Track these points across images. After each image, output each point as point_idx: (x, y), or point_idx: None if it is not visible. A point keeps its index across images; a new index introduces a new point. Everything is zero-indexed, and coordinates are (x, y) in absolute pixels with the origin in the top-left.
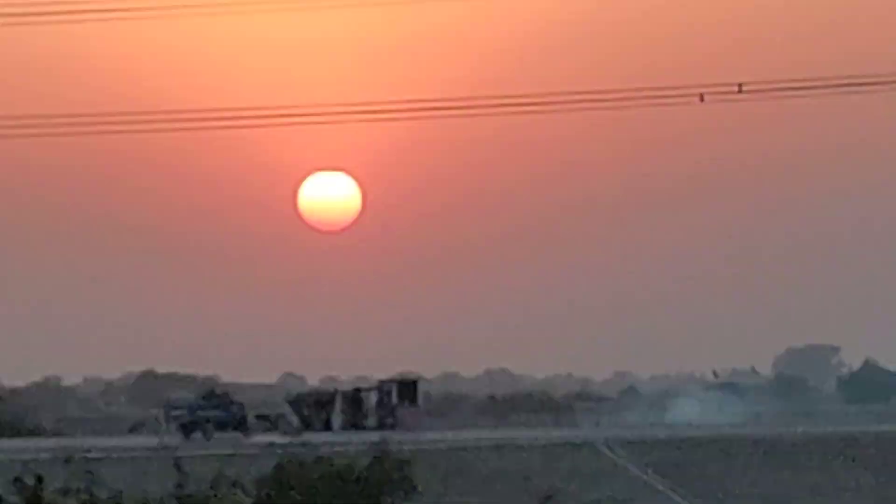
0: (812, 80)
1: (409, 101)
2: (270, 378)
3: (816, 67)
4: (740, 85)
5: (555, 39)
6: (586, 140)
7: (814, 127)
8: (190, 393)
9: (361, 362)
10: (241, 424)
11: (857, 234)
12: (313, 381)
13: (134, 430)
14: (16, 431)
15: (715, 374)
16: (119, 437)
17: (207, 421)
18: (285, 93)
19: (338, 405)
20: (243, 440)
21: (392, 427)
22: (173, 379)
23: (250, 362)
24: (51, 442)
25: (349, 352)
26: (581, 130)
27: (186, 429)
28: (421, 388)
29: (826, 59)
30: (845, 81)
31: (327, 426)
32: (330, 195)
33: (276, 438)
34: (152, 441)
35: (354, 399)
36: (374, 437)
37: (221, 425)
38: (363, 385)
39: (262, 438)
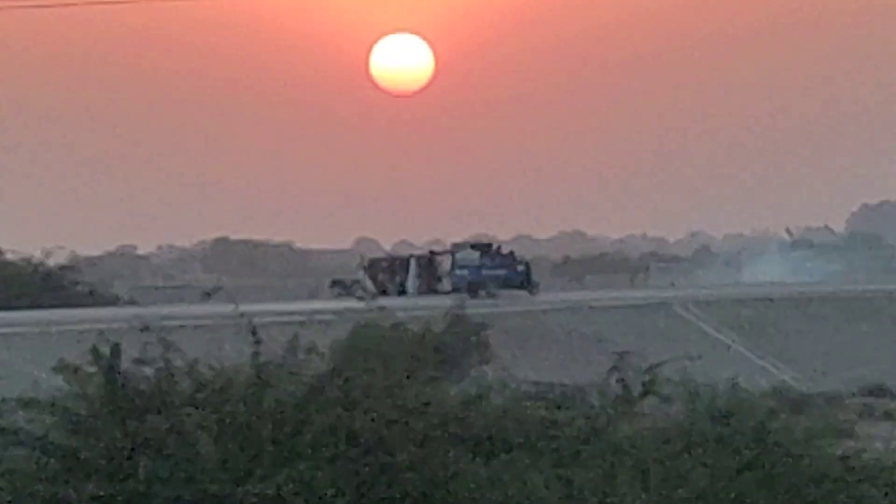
0: None
1: None
2: (344, 244)
3: None
4: None
5: None
6: (661, 11)
7: None
8: (474, 252)
9: (435, 226)
10: (526, 283)
11: None
12: (387, 245)
13: (207, 296)
14: (91, 300)
15: (789, 232)
16: (194, 304)
17: (493, 279)
18: None
19: (413, 269)
20: (530, 298)
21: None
22: (247, 246)
23: (324, 228)
24: (126, 311)
25: (423, 215)
26: (653, 3)
27: (471, 287)
28: (497, 250)
29: None
30: None
31: (402, 291)
32: (402, 58)
33: (351, 304)
34: (228, 308)
35: (429, 263)
36: (450, 301)
37: (506, 284)
38: (438, 248)
39: (337, 304)
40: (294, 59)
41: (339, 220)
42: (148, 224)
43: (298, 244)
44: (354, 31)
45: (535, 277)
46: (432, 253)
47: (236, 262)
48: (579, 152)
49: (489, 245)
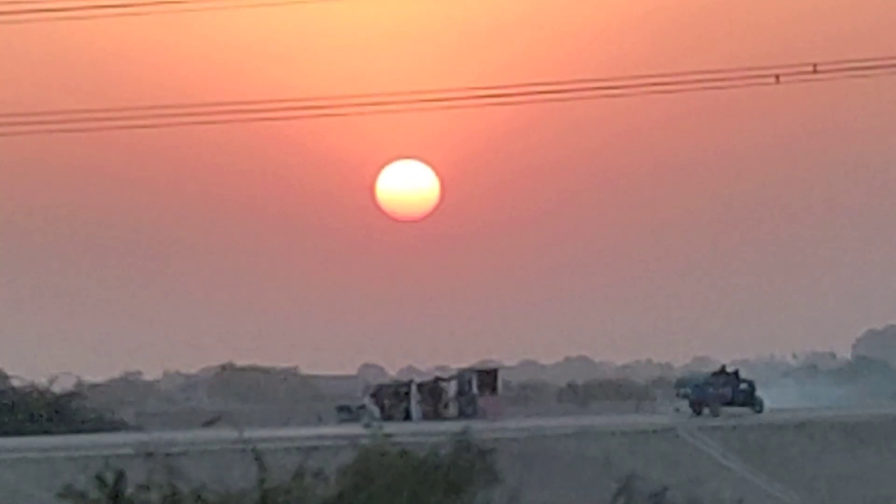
0: (890, 59)
1: (486, 89)
2: (350, 370)
3: (893, 45)
4: (815, 65)
5: (632, 25)
6: (661, 122)
7: (891, 105)
8: (697, 372)
9: (441, 352)
10: (749, 401)
11: None
12: (392, 371)
13: (210, 423)
14: (97, 427)
15: (795, 356)
16: (199, 430)
17: (716, 398)
18: (363, 81)
19: (417, 395)
20: (752, 416)
21: (472, 416)
22: (253, 372)
23: (330, 354)
24: (132, 437)
25: (428, 341)
26: (656, 112)
27: (695, 405)
28: (501, 376)
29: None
30: None
31: (408, 416)
32: (408, 185)
33: (357, 429)
34: (233, 434)
35: (434, 389)
36: (455, 426)
37: (729, 402)
38: (443, 375)
39: (344, 430)
40: (300, 185)
41: (344, 345)
42: (153, 350)
43: (304, 370)
44: (361, 158)
45: (759, 395)
46: (437, 379)
47: (242, 388)
48: (585, 277)
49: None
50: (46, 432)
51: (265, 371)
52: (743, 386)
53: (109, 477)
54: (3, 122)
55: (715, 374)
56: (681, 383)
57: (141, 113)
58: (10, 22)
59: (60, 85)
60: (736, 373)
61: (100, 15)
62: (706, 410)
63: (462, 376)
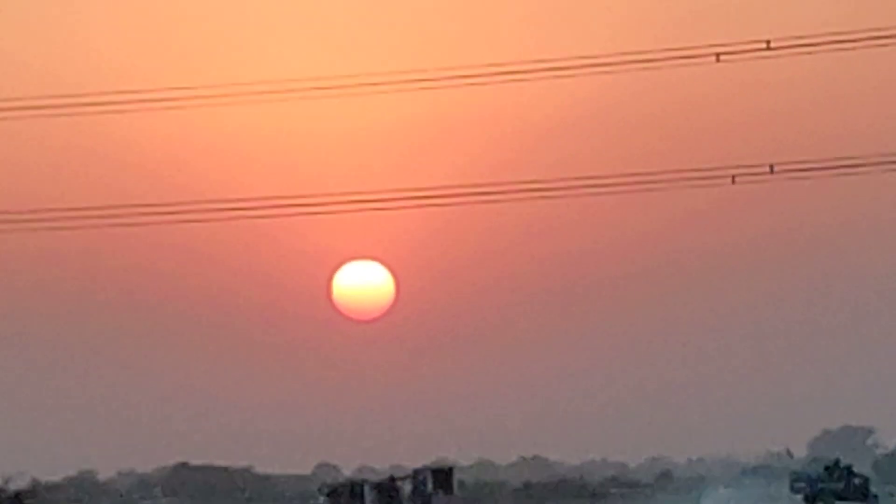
0: (844, 159)
1: (440, 188)
2: (305, 469)
3: (848, 146)
4: (772, 166)
5: (586, 124)
6: (617, 223)
7: (846, 206)
8: (815, 467)
9: (396, 451)
10: (862, 496)
11: (892, 315)
12: (348, 470)
13: None
14: None
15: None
16: None
17: (830, 492)
18: (318, 182)
19: (372, 495)
20: None
21: None
22: (208, 471)
23: (285, 453)
24: None
25: (384, 440)
26: (611, 213)
27: (809, 500)
28: (456, 475)
29: (857, 137)
30: (880, 160)
31: None
32: (363, 284)
33: None
34: None
35: (389, 489)
36: None
37: (842, 497)
38: (398, 474)
39: None
40: (253, 285)
41: (299, 445)
42: (107, 449)
43: (259, 468)
44: (316, 258)
45: (873, 490)
46: (392, 479)
47: (197, 487)
48: (539, 378)
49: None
50: None
51: (221, 470)
52: (857, 481)
53: None
54: None
55: (828, 468)
56: (797, 477)
57: (96, 213)
58: None
59: (21, 183)
60: (849, 467)
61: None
62: None
63: (417, 476)
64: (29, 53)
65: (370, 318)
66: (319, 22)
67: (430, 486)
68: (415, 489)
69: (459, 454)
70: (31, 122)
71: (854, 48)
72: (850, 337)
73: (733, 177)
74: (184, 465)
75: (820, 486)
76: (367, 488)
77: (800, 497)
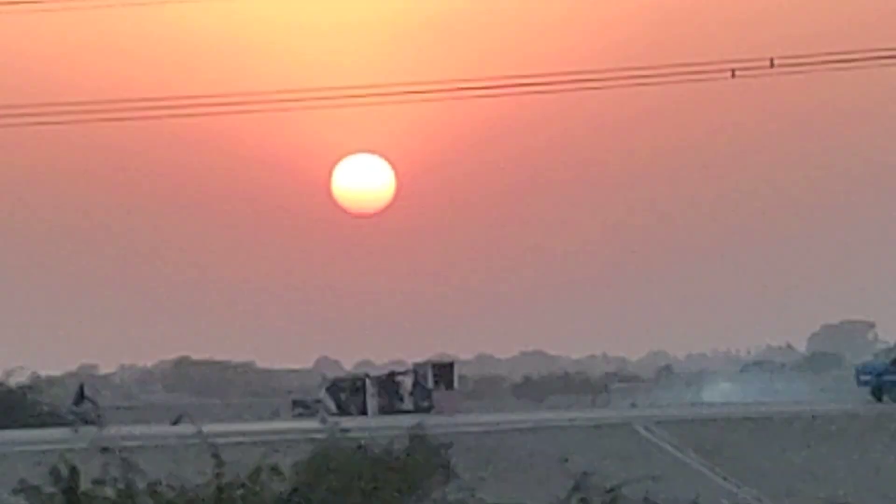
0: (845, 53)
1: (441, 82)
2: (306, 363)
3: (848, 40)
4: (772, 59)
5: (586, 17)
6: (617, 116)
7: (847, 99)
8: (880, 359)
9: (397, 346)
10: None
11: (891, 209)
12: (348, 365)
13: (177, 422)
14: (52, 421)
15: (749, 351)
16: (156, 425)
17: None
18: (318, 75)
19: (373, 389)
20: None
21: (428, 410)
22: (209, 365)
23: (285, 348)
24: (87, 431)
25: (384, 335)
26: (610, 107)
27: (875, 392)
28: (456, 370)
29: (858, 30)
30: (880, 54)
31: (363, 411)
32: (363, 179)
33: (313, 424)
34: (190, 429)
35: (390, 383)
36: (411, 421)
37: None
38: (398, 369)
39: (299, 424)
40: (254, 180)
41: (300, 339)
42: (109, 344)
43: (260, 364)
44: (316, 152)
45: None
46: (392, 373)
47: (198, 382)
48: (540, 271)
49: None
50: (1, 426)
51: (221, 365)
52: None
53: (64, 471)
54: None
55: (894, 360)
56: (862, 370)
57: (94, 108)
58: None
59: (24, 78)
60: None
61: (56, 9)
62: (886, 398)
63: (417, 370)
64: None
65: (370, 213)
66: None
67: (430, 380)
68: (415, 384)
69: (460, 349)
70: (38, 16)
71: None
72: (850, 231)
73: (733, 70)
74: (185, 359)
75: (885, 378)
76: (367, 383)
77: (867, 390)
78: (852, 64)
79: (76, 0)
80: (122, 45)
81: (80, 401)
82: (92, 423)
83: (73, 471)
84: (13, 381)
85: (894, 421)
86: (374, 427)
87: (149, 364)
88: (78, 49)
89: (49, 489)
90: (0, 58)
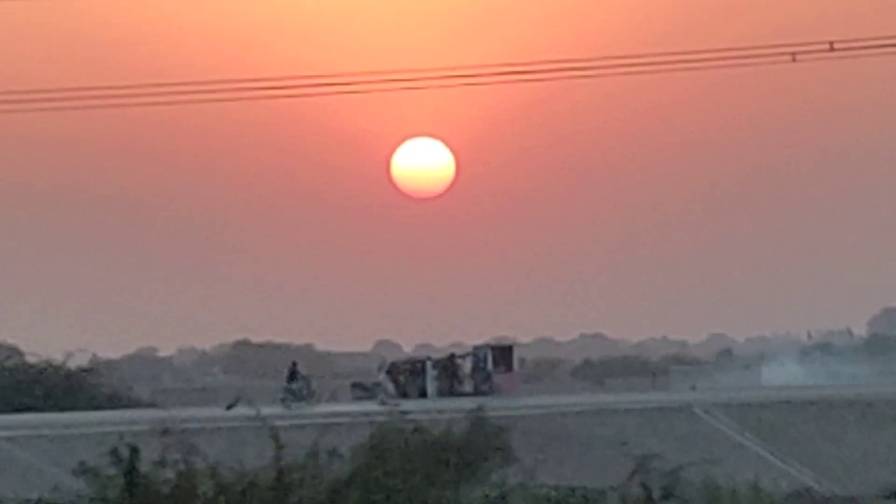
0: None
1: (502, 66)
2: (365, 346)
3: None
4: (831, 43)
5: (648, 3)
6: (687, 101)
7: None
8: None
9: (456, 329)
10: None
11: None
12: (408, 348)
13: (232, 406)
14: (112, 403)
15: (809, 335)
16: (215, 407)
17: None
18: (379, 59)
19: (433, 372)
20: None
21: (488, 393)
22: (268, 348)
23: (345, 330)
24: (147, 413)
25: (444, 318)
26: (674, 93)
27: None
28: (516, 353)
29: None
30: None
31: (423, 393)
32: (423, 163)
33: (372, 406)
34: (249, 411)
35: (450, 366)
36: (471, 403)
37: None
38: (458, 351)
39: (358, 407)
40: (316, 162)
41: (360, 322)
42: (168, 326)
43: (319, 346)
44: (377, 135)
45: None
46: (452, 356)
47: (257, 365)
48: (601, 253)
49: None
50: (62, 409)
51: (280, 347)
52: None
53: (124, 453)
54: (27, 98)
55: None
56: None
57: (156, 90)
58: None
59: (75, 60)
60: None
61: None
62: None
63: (477, 353)
64: None
65: (430, 196)
66: None
67: (490, 363)
68: (475, 366)
69: (519, 332)
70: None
71: None
72: None
73: (794, 54)
74: (244, 342)
75: None
76: (428, 365)
77: None
78: None
79: None
80: (188, 28)
81: (294, 378)
82: (303, 399)
83: (135, 452)
84: (73, 364)
85: None
86: (433, 410)
87: (208, 347)
88: (142, 29)
89: (109, 472)
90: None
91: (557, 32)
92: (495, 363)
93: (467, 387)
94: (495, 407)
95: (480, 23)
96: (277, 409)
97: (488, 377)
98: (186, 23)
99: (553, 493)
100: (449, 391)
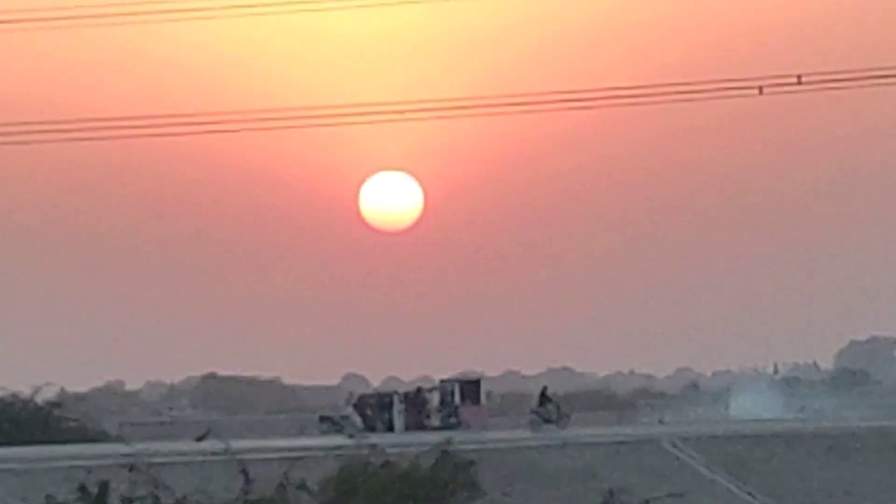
0: (871, 70)
1: (468, 99)
2: (333, 379)
3: (875, 57)
4: (799, 76)
5: (614, 35)
6: (643, 133)
7: (874, 116)
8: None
9: (424, 362)
10: None
11: None
12: (375, 382)
13: (201, 439)
14: (79, 437)
15: (776, 369)
16: (183, 441)
17: None
18: (346, 90)
19: (400, 406)
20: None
21: (455, 427)
22: (235, 382)
23: (312, 364)
24: (114, 447)
25: (411, 352)
26: (638, 123)
27: None
28: (483, 387)
29: (886, 48)
30: None
31: (390, 427)
32: (391, 196)
33: (340, 440)
34: (217, 445)
35: (417, 399)
36: (438, 437)
37: None
38: (425, 385)
39: (326, 440)
40: (284, 195)
41: (327, 356)
42: (135, 360)
43: (287, 380)
44: (344, 168)
45: None
46: (419, 390)
47: (224, 399)
48: (567, 288)
49: None
50: (29, 442)
51: (248, 381)
52: None
53: (92, 488)
54: (7, 130)
55: None
56: None
57: (126, 123)
58: (14, 30)
59: (56, 95)
60: None
61: (90, 25)
62: None
63: (445, 387)
64: None
65: (398, 230)
66: None
67: (457, 397)
68: (442, 400)
69: (486, 365)
70: (39, 33)
71: None
72: (877, 249)
73: (760, 87)
74: (212, 375)
75: None
76: (395, 399)
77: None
78: (884, 80)
79: (85, 18)
80: (144, 63)
81: (544, 402)
82: (552, 422)
83: (104, 487)
84: (40, 398)
85: None
86: (401, 443)
87: (176, 380)
88: (101, 66)
89: None
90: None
91: (523, 67)
92: (462, 397)
93: (435, 420)
94: (462, 440)
95: (449, 56)
96: (246, 443)
97: (455, 411)
98: (151, 56)
99: None
100: (416, 425)
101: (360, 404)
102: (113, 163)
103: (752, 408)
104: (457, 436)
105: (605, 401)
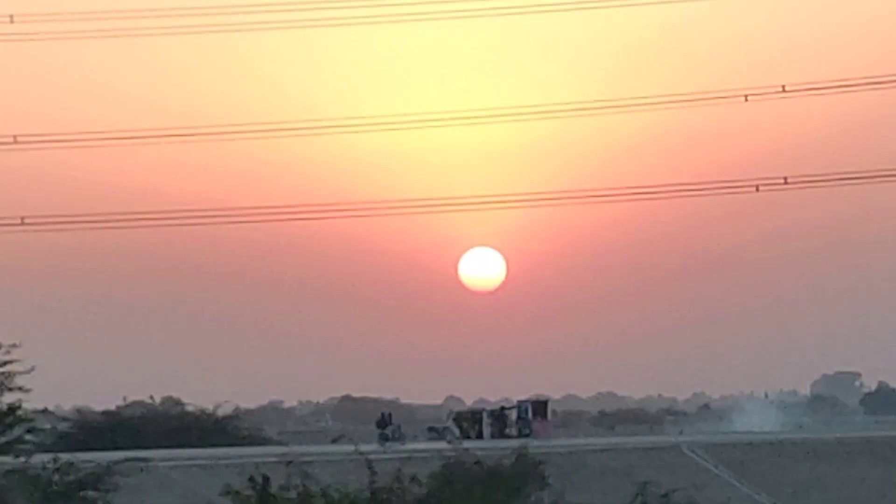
0: (854, 173)
1: (547, 192)
2: (437, 400)
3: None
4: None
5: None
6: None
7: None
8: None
9: (506, 387)
10: None
11: (887, 280)
12: (469, 401)
13: (336, 441)
14: (249, 441)
15: (766, 394)
16: (326, 445)
17: None
18: (449, 182)
19: (487, 420)
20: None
21: (528, 436)
22: (364, 401)
23: (422, 388)
24: (275, 449)
25: (496, 379)
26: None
27: None
28: (549, 406)
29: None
30: (885, 172)
31: (480, 436)
32: (483, 265)
33: (442, 445)
34: (350, 448)
35: (500, 415)
36: (516, 443)
37: None
38: (507, 405)
39: (432, 445)
40: (398, 269)
41: (433, 382)
42: (291, 384)
43: (403, 400)
44: (445, 245)
45: None
46: (502, 408)
47: (358, 413)
48: (613, 332)
49: None
50: (212, 445)
51: (374, 401)
52: None
53: (259, 479)
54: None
55: None
56: None
57: (250, 211)
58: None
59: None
60: None
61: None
62: None
63: (521, 406)
64: None
65: (487, 291)
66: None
67: (530, 413)
68: (519, 416)
69: (553, 390)
70: None
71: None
72: (845, 300)
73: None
74: (347, 396)
75: None
76: (484, 415)
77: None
78: (859, 181)
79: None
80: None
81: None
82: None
83: (266, 479)
84: (220, 412)
85: (877, 446)
86: (487, 448)
87: (321, 400)
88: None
89: (247, 493)
90: None
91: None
92: (534, 413)
93: (513, 431)
94: (534, 447)
95: (540, 151)
96: (372, 446)
97: (529, 424)
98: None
99: None
100: (499, 434)
101: (458, 418)
102: (252, 244)
103: (750, 423)
104: (529, 443)
105: (639, 417)
